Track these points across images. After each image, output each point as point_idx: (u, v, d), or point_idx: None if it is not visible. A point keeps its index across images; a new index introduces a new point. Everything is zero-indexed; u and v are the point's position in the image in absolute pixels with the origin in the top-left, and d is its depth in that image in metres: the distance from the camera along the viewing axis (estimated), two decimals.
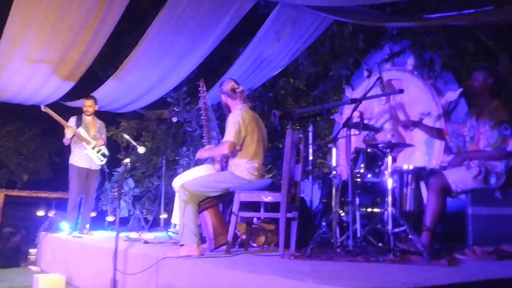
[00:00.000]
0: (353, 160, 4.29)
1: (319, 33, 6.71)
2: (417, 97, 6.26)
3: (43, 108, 6.24)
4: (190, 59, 6.42)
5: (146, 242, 4.98)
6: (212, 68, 7.33)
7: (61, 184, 11.52)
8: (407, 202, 3.97)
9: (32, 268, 6.47)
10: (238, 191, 3.88)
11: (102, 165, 6.42)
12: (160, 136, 8.65)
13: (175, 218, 4.37)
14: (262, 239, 4.42)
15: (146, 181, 8.18)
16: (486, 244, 3.67)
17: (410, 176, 4.01)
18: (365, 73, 6.98)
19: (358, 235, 3.85)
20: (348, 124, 4.02)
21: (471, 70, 5.78)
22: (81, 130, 6.25)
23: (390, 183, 3.73)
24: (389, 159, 3.78)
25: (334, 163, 4.11)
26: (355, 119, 6.97)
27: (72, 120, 6.34)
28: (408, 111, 6.44)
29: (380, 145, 3.83)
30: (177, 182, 4.21)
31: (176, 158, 8.01)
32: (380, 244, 3.71)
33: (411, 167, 4.11)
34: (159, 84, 6.99)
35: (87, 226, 6.42)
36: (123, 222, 7.72)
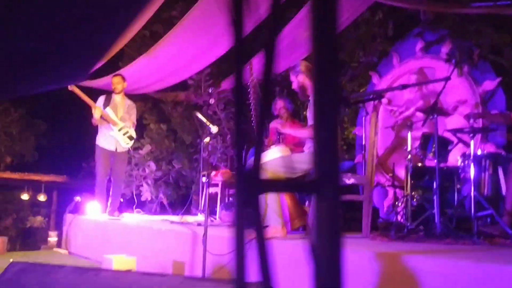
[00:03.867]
0: (421, 144, 4.33)
1: (353, 18, 6.68)
2: (452, 85, 6.32)
3: (70, 88, 6.01)
4: (225, 40, 6.29)
5: (199, 224, 4.89)
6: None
7: (48, 168, 11.23)
8: (485, 187, 4.01)
9: (59, 250, 6.29)
10: None
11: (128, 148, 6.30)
12: (176, 119, 8.50)
13: None
14: None
15: (163, 164, 8.03)
16: None
17: (487, 161, 4.05)
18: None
19: (436, 219, 3.89)
20: (435, 109, 4.03)
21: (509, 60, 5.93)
22: (108, 111, 6.06)
23: (473, 168, 3.78)
24: (471, 144, 3.82)
25: (409, 148, 4.13)
26: (383, 106, 7.04)
27: (101, 99, 6.16)
28: (442, 99, 6.52)
29: (465, 130, 3.85)
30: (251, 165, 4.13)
31: (198, 141, 7.88)
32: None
33: (485, 152, 4.15)
34: (192, 62, 6.84)
35: (117, 207, 6.26)
36: (143, 205, 7.58)
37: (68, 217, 6.41)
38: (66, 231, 6.36)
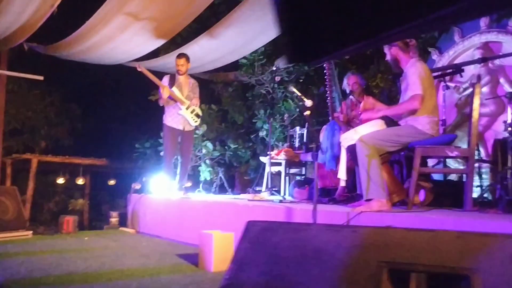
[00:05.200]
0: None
1: None
2: None
3: (138, 68, 6.00)
4: None
5: (281, 201, 4.88)
6: None
7: (81, 151, 11.28)
8: None
9: (127, 230, 6.32)
10: (419, 146, 3.78)
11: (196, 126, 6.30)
12: (227, 99, 8.46)
13: (342, 173, 4.26)
14: (418, 197, 4.34)
15: (217, 144, 8.01)
16: None
17: None
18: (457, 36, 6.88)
19: None
20: None
21: None
22: (174, 90, 6.06)
23: None
24: None
25: (509, 120, 4.05)
26: (447, 80, 6.88)
27: (165, 79, 6.13)
28: (510, 74, 6.39)
29: None
30: (346, 139, 4.08)
31: (254, 120, 7.84)
32: None
33: None
34: (251, 42, 6.78)
35: (184, 186, 6.27)
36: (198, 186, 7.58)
37: (133, 197, 6.42)
38: (132, 211, 6.38)
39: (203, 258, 3.83)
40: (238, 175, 8.51)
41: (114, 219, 6.89)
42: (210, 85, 8.61)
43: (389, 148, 3.85)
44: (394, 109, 3.94)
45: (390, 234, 1.28)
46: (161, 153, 7.88)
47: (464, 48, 6.79)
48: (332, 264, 1.24)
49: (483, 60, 5.18)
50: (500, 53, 6.44)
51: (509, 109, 4.14)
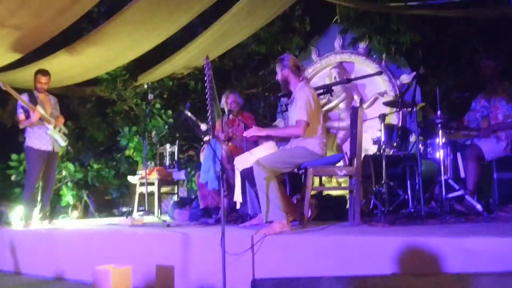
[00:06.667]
0: (386, 135, 4.68)
1: (279, 13, 6.85)
2: (371, 78, 6.80)
3: (3, 87, 5.38)
4: (160, 33, 6.07)
5: (168, 225, 4.73)
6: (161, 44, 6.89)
7: None
8: (448, 171, 4.46)
9: None
10: (311, 166, 3.95)
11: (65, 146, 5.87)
12: (86, 116, 7.95)
13: (238, 196, 4.23)
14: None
15: (77, 165, 7.46)
16: (509, 203, 4.38)
17: (449, 147, 4.50)
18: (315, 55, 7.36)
19: (410, 203, 4.29)
20: (401, 103, 4.38)
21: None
22: (40, 109, 5.54)
23: (442, 154, 4.20)
24: (440, 133, 4.24)
25: (383, 138, 4.45)
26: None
27: (25, 98, 5.56)
28: (361, 91, 7.03)
29: (437, 121, 4.24)
30: (241, 162, 4.09)
31: (118, 138, 7.46)
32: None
33: (443, 140, 4.53)
34: (117, 57, 6.46)
35: (48, 214, 5.73)
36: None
37: None
38: None
39: None
40: (97, 195, 8.03)
41: None
42: (64, 101, 7.98)
43: (284, 170, 3.97)
44: (278, 132, 4.10)
45: (397, 281, 1.32)
46: (12, 178, 7.15)
47: (322, 66, 7.30)
48: None
49: (348, 80, 5.60)
50: (353, 72, 7.09)
51: (382, 127, 4.54)
